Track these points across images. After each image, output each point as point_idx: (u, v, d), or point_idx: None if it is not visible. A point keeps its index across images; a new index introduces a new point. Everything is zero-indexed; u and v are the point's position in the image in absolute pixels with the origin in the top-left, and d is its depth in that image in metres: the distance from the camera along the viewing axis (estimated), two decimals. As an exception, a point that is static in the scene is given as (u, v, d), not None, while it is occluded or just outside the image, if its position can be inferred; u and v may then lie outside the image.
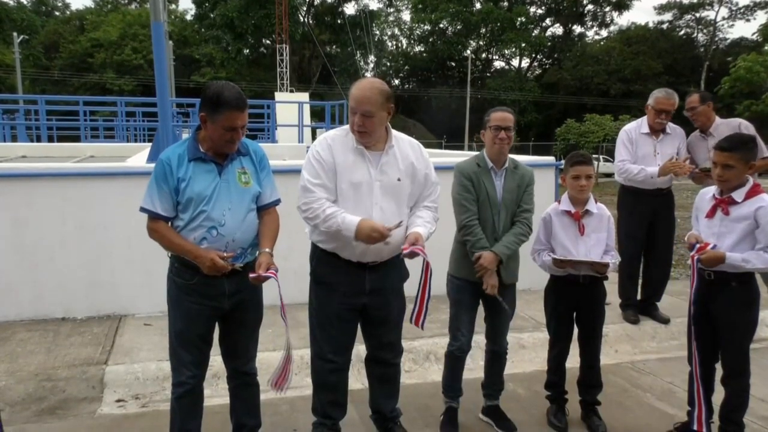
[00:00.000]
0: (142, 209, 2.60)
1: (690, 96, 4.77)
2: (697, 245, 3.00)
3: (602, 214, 3.34)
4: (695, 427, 3.07)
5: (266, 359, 4.02)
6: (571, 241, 3.30)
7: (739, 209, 2.95)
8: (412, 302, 2.85)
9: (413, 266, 3.11)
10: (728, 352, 3.09)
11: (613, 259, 3.31)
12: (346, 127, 2.88)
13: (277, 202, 2.82)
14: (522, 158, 6.15)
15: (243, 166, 2.70)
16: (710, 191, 3.13)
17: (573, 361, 3.51)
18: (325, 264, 2.90)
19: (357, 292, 2.90)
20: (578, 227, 3.30)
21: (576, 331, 3.48)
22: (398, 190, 2.85)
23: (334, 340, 2.97)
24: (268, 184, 2.79)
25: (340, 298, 2.90)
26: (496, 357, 3.42)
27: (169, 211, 2.59)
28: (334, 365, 2.99)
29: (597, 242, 3.30)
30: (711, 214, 3.06)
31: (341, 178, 2.78)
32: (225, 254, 2.56)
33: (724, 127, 4.59)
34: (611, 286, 5.38)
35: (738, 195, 2.96)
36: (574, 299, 3.39)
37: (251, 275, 2.57)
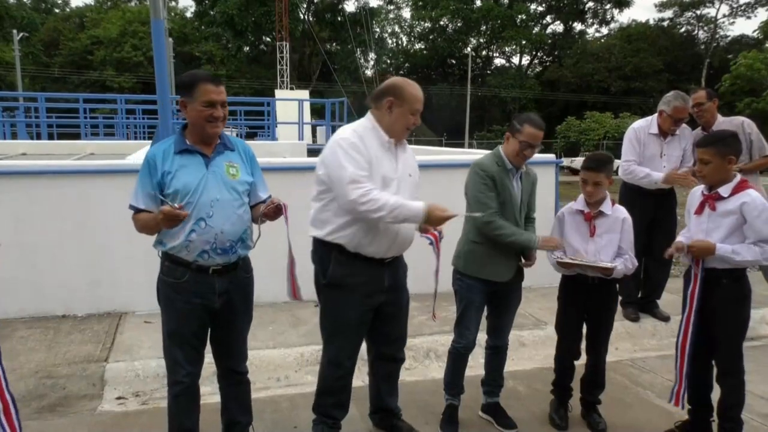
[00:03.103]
0: (130, 206, 2.67)
1: (696, 92, 4.70)
2: (686, 244, 3.02)
3: (617, 216, 3.26)
4: (672, 402, 3.13)
5: (266, 357, 4.03)
6: (581, 242, 3.25)
7: (725, 204, 2.97)
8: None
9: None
10: (721, 350, 3.09)
11: (627, 262, 3.23)
12: (365, 123, 2.86)
13: (269, 199, 2.79)
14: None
15: (231, 160, 2.70)
16: (700, 189, 3.15)
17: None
18: (343, 265, 2.81)
19: (377, 290, 2.88)
20: (589, 228, 3.25)
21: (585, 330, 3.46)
22: (410, 186, 2.91)
23: (351, 345, 2.95)
24: (261, 181, 2.82)
25: (360, 299, 2.85)
26: (497, 352, 3.42)
27: (151, 207, 2.61)
28: (346, 370, 2.98)
29: (608, 244, 3.23)
30: (699, 211, 3.08)
31: (375, 172, 2.75)
32: (172, 205, 2.47)
33: (726, 125, 4.57)
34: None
35: (724, 190, 2.98)
36: (582, 300, 3.34)
37: (267, 207, 2.63)
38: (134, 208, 2.65)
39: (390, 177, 2.79)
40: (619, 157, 4.93)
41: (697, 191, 3.16)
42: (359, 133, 2.79)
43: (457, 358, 3.36)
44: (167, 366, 2.76)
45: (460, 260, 3.27)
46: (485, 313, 3.39)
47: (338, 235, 2.80)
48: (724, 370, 3.09)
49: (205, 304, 2.67)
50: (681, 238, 3.18)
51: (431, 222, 2.74)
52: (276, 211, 2.64)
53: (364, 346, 3.14)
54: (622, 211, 3.28)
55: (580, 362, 3.50)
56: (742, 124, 4.56)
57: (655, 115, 4.73)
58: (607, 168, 3.21)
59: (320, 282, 2.90)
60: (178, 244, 2.59)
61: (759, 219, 2.87)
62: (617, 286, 3.39)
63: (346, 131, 2.82)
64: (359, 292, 2.84)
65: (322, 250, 2.86)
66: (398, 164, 2.86)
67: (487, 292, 3.25)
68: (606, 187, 3.21)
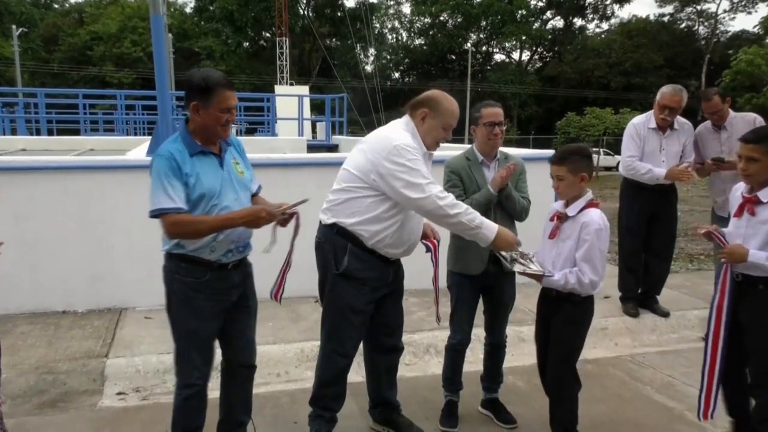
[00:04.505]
0: (162, 210, 2.42)
1: (709, 99, 4.51)
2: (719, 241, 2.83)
3: (578, 220, 2.82)
4: (701, 416, 2.89)
5: (266, 352, 4.03)
6: (546, 244, 2.98)
7: (765, 210, 2.72)
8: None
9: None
10: (752, 362, 2.86)
11: (571, 276, 2.77)
12: (410, 129, 2.85)
13: (260, 190, 2.85)
14: (522, 152, 6.17)
15: (234, 156, 2.71)
16: (741, 188, 2.89)
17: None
18: (359, 260, 2.84)
19: (383, 285, 2.96)
20: (551, 229, 2.95)
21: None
22: None
23: (357, 334, 3.00)
24: (252, 173, 2.83)
25: (369, 292, 2.91)
26: (495, 350, 3.43)
27: (186, 204, 2.46)
28: (350, 360, 3.02)
29: (569, 251, 2.84)
30: (739, 213, 2.84)
31: None
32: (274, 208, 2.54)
33: (739, 120, 4.52)
34: (611, 280, 5.40)
35: (764, 194, 2.73)
36: (544, 312, 3.04)
37: (285, 211, 2.60)
38: (174, 209, 2.42)
39: None
40: (619, 153, 4.93)
41: (738, 190, 2.90)
42: (412, 139, 2.81)
43: (454, 354, 3.37)
44: (179, 368, 2.68)
45: (449, 257, 3.34)
46: (482, 309, 3.40)
47: (364, 228, 2.80)
48: (756, 383, 2.85)
49: (225, 300, 2.67)
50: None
51: (498, 243, 2.76)
52: (289, 218, 2.68)
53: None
54: (587, 216, 2.81)
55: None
56: (754, 120, 4.52)
57: (654, 110, 4.72)
58: (571, 161, 2.83)
59: (331, 272, 2.89)
60: (202, 245, 2.54)
61: None
62: (580, 303, 2.89)
63: (404, 136, 2.79)
64: (369, 284, 2.89)
65: (339, 240, 2.85)
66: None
67: (476, 288, 3.28)
68: (573, 183, 2.84)
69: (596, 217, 2.80)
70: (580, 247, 2.79)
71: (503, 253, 2.82)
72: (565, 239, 2.86)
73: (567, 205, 2.91)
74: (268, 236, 2.67)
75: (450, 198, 2.72)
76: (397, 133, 2.82)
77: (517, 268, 2.78)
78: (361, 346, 3.14)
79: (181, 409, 2.72)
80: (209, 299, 2.61)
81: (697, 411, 2.94)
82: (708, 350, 2.90)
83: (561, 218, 2.90)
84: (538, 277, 2.82)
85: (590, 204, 2.86)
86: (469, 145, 3.46)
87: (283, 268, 2.89)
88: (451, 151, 4.72)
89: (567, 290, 2.81)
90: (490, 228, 2.74)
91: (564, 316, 2.91)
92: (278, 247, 2.82)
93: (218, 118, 2.51)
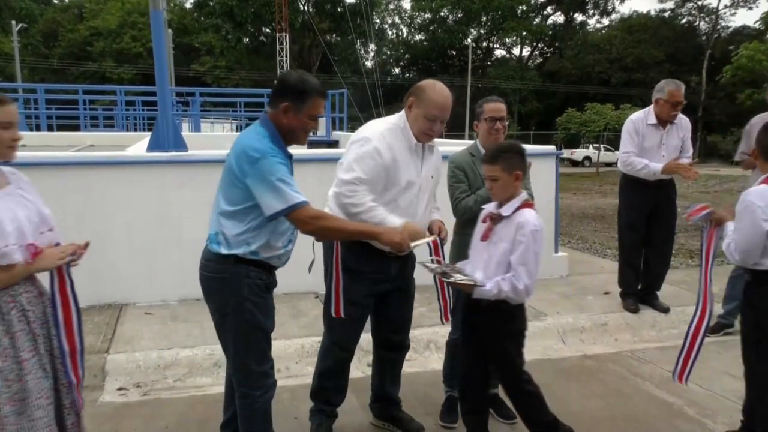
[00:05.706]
0: (300, 203, 2.35)
1: None
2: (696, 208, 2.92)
3: (513, 221, 2.63)
4: (676, 378, 3.02)
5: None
6: (476, 247, 2.80)
7: None
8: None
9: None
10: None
11: (504, 284, 2.57)
12: (398, 122, 2.83)
13: None
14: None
15: None
16: None
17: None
18: (356, 252, 2.83)
19: (383, 279, 2.94)
20: (483, 231, 2.75)
21: None
22: (430, 188, 2.94)
23: (356, 328, 3.00)
24: None
25: (367, 284, 2.90)
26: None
27: None
28: (349, 354, 3.04)
29: (503, 254, 2.63)
30: None
31: (400, 176, 2.75)
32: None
33: None
34: (611, 276, 5.40)
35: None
36: (474, 325, 2.82)
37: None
38: (307, 203, 2.39)
39: (413, 181, 2.81)
40: (618, 149, 4.93)
41: None
42: (389, 137, 2.75)
43: (455, 350, 3.37)
44: (259, 372, 2.55)
45: (450, 254, 3.31)
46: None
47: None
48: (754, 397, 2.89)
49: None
50: None
51: (407, 227, 2.66)
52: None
53: (366, 336, 3.15)
54: (522, 217, 2.63)
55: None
56: None
57: (651, 106, 4.72)
58: (504, 159, 2.64)
59: (330, 265, 2.90)
60: (276, 254, 2.53)
61: (739, 213, 2.71)
62: (516, 314, 2.73)
63: (376, 133, 2.76)
64: (367, 278, 2.89)
65: None
66: (423, 166, 2.87)
67: None
68: (508, 182, 2.65)
69: (531, 218, 2.63)
70: (516, 249, 2.60)
71: (429, 265, 2.75)
72: (497, 242, 2.67)
73: (500, 205, 2.72)
74: None
75: (356, 198, 2.67)
76: (373, 125, 2.83)
77: (446, 278, 2.65)
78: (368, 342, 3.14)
79: (265, 414, 2.62)
80: (270, 298, 2.64)
81: (673, 371, 3.02)
82: (697, 313, 2.95)
83: (494, 219, 2.71)
84: (468, 287, 2.63)
85: (525, 204, 2.68)
86: (472, 141, 3.47)
87: (336, 286, 2.83)
88: (452, 147, 4.73)
89: (501, 298, 2.62)
90: (392, 223, 2.67)
91: (502, 332, 2.73)
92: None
93: (305, 124, 2.46)
